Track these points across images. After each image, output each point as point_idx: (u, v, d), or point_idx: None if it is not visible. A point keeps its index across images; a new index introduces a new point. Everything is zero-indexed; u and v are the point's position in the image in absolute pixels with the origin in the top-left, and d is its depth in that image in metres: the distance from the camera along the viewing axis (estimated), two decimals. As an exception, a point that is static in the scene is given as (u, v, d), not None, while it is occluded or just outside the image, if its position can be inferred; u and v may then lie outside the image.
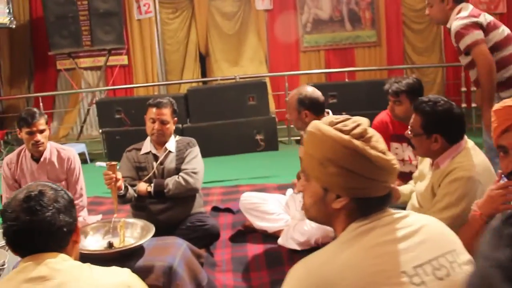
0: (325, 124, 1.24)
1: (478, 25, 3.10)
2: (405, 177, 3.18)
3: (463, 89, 7.11)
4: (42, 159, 3.22)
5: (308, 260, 1.19)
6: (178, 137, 3.30)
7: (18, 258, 1.40)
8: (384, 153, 1.19)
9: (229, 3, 8.24)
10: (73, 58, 7.42)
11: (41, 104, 6.97)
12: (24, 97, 8.19)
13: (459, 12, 3.18)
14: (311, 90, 3.11)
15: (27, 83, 8.54)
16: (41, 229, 1.33)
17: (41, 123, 3.14)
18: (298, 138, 6.84)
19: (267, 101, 6.43)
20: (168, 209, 3.07)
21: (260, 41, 8.35)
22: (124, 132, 6.37)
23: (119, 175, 2.79)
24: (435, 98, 2.31)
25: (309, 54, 8.48)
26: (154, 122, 3.14)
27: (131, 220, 2.64)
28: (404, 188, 2.68)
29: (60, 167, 3.27)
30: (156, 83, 7.87)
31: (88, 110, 7.72)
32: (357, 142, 1.17)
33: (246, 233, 3.42)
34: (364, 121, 1.25)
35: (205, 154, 6.00)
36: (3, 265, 2.40)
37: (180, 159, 3.18)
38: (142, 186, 3.08)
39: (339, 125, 1.22)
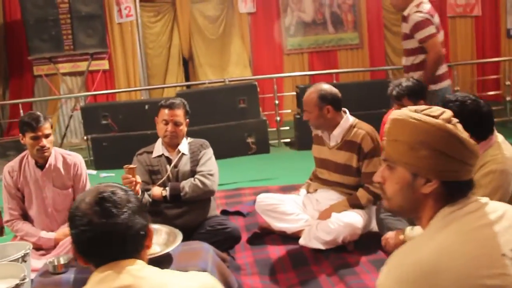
0: (411, 111, 1.27)
1: (433, 23, 3.81)
2: None
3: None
4: (47, 165, 3.05)
5: (404, 253, 1.17)
6: (190, 139, 3.20)
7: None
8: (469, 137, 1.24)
9: (212, 6, 8.15)
10: (54, 63, 7.16)
11: (21, 111, 6.69)
12: (1, 103, 7.85)
13: (419, 4, 3.83)
14: (328, 87, 3.13)
15: (2, 89, 8.19)
16: (118, 233, 1.22)
17: (46, 127, 2.98)
18: (288, 140, 6.81)
19: (257, 103, 6.37)
20: (185, 213, 2.97)
21: (244, 44, 8.29)
22: (111, 138, 6.19)
23: (138, 178, 2.68)
24: (462, 97, 2.33)
25: (292, 56, 8.48)
26: (167, 123, 3.03)
27: (156, 226, 2.52)
28: None
29: (66, 174, 3.11)
30: (141, 88, 7.68)
31: (71, 116, 7.47)
32: (449, 125, 1.22)
33: (263, 235, 3.34)
34: (446, 109, 1.29)
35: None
36: (23, 279, 2.24)
37: (195, 161, 3.08)
38: (157, 191, 2.96)
39: (426, 111, 1.26)
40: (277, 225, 3.21)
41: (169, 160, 3.07)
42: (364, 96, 6.08)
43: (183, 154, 3.09)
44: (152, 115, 6.13)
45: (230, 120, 6.17)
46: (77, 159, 3.17)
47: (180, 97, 6.38)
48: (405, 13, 3.88)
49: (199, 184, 2.95)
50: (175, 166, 3.05)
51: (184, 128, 3.09)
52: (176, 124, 3.03)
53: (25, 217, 3.13)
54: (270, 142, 6.55)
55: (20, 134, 3.01)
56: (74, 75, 7.89)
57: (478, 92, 8.47)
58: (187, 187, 2.95)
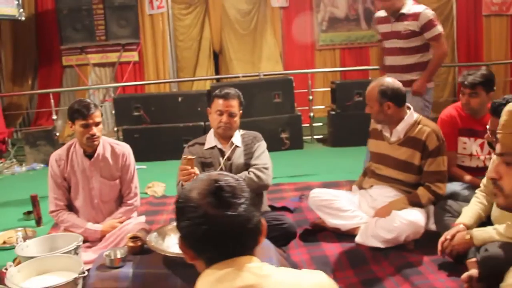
0: None
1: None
2: (472, 171, 3.20)
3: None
4: (95, 155, 2.96)
5: None
6: (242, 131, 3.09)
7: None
8: None
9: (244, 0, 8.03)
10: (86, 53, 7.11)
11: (51, 101, 6.65)
12: (31, 93, 7.84)
13: (414, 3, 3.85)
14: (391, 81, 3.00)
15: (31, 79, 8.17)
16: (237, 227, 1.09)
17: (97, 115, 2.88)
18: (320, 136, 6.68)
19: (292, 98, 6.23)
20: (239, 208, 2.85)
21: (276, 39, 8.17)
22: (143, 130, 6.11)
23: (196, 170, 2.57)
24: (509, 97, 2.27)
25: (324, 52, 8.33)
26: (221, 114, 2.91)
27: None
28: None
29: (114, 164, 3.01)
30: (171, 80, 7.59)
31: (101, 107, 7.40)
32: None
33: (315, 231, 3.21)
34: None
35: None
36: (82, 273, 2.14)
37: (249, 154, 2.96)
38: (210, 183, 2.85)
39: None
40: (332, 221, 3.10)
41: (222, 152, 2.96)
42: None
43: (236, 146, 2.98)
44: (184, 108, 6.14)
45: (264, 115, 6.06)
46: (126, 149, 3.07)
47: (213, 89, 6.35)
48: (404, 11, 3.85)
49: (254, 178, 2.84)
50: (229, 158, 2.94)
51: (238, 120, 2.98)
52: (231, 115, 2.92)
53: (70, 207, 3.03)
54: (303, 138, 6.42)
55: (69, 122, 2.92)
56: (103, 66, 7.82)
57: (510, 92, 8.28)
58: (241, 180, 2.83)
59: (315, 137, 6.68)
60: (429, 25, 3.74)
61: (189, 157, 2.59)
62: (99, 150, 2.97)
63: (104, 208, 3.03)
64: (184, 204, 1.12)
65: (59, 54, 7.74)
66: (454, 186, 3.13)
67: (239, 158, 2.95)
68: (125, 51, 7.39)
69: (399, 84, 2.98)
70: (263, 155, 2.98)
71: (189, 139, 6.22)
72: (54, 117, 6.69)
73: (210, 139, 3.01)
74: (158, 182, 4.85)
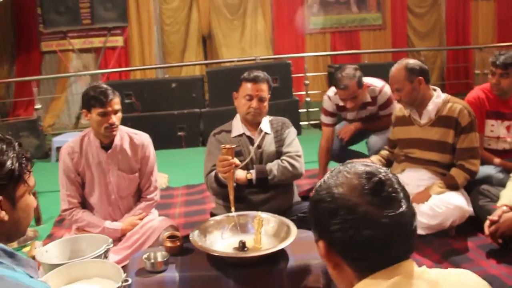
0: None
1: None
2: (498, 154, 3.21)
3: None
4: (113, 146, 2.69)
5: None
6: (269, 117, 2.88)
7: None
8: None
9: (232, -19, 7.76)
10: (70, 38, 6.71)
11: (34, 89, 6.24)
12: (10, 81, 7.37)
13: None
14: (414, 60, 2.98)
15: (8, 67, 7.69)
16: (403, 228, 0.91)
17: (116, 101, 2.61)
18: (317, 122, 6.51)
19: (290, 83, 6.05)
20: (271, 199, 2.66)
21: (265, 23, 7.93)
22: (135, 118, 5.81)
23: (236, 160, 2.36)
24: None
25: (315, 36, 8.16)
26: (251, 99, 2.70)
27: (264, 215, 2.22)
28: None
29: (133, 156, 2.75)
30: (157, 66, 7.26)
31: (87, 95, 7.03)
32: None
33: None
34: None
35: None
36: (126, 281, 1.90)
37: (280, 141, 2.77)
38: (241, 174, 2.64)
39: None
40: None
41: (251, 140, 2.75)
42: (387, 77, 5.83)
43: (266, 133, 2.77)
44: (178, 94, 5.85)
45: (262, 101, 5.84)
46: (145, 139, 2.82)
47: (210, 74, 6.09)
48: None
49: (288, 166, 2.65)
50: (259, 146, 2.73)
51: (267, 105, 2.77)
52: (261, 99, 2.72)
53: (84, 205, 2.75)
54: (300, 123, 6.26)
55: (84, 110, 2.64)
56: (86, 52, 7.43)
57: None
58: (275, 169, 2.64)
59: (312, 122, 6.52)
60: (386, 104, 3.57)
61: (228, 146, 2.38)
62: (117, 141, 2.70)
63: (122, 204, 2.76)
64: (334, 204, 0.92)
65: (38, 39, 7.30)
66: (487, 169, 3.08)
67: (270, 145, 2.75)
68: (111, 36, 7.03)
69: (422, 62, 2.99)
70: (294, 142, 2.80)
71: (183, 127, 6.09)
72: (38, 106, 6.29)
73: (237, 126, 2.80)
74: (160, 173, 4.59)
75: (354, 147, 3.97)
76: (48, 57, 7.59)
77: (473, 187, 2.91)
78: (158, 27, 7.63)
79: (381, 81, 3.62)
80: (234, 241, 2.17)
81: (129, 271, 2.04)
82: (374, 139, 3.66)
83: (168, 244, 2.13)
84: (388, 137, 3.30)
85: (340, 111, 3.74)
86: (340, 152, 3.82)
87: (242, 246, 2.08)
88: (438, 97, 2.93)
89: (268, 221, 2.21)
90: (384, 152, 3.29)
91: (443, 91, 3.07)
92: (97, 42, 7.28)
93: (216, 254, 1.96)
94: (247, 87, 2.72)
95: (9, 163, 1.12)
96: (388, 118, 3.50)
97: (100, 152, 2.68)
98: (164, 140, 5.44)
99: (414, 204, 2.77)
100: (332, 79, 6.03)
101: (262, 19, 7.88)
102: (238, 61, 6.45)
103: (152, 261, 2.03)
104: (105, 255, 2.22)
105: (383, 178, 0.92)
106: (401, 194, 0.93)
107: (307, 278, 1.96)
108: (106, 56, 7.43)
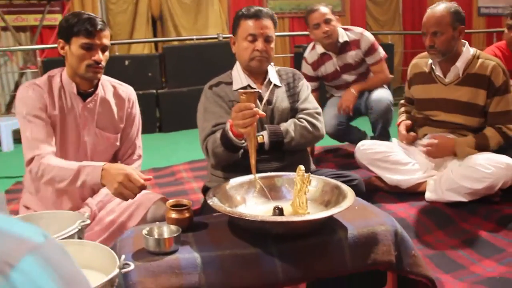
0: None
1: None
2: None
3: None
4: (93, 94, 2.02)
5: None
6: (275, 66, 2.34)
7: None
8: None
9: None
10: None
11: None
12: None
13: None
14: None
15: None
16: None
17: (106, 35, 1.95)
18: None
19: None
20: (287, 167, 2.06)
21: (221, 5, 7.37)
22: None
23: (260, 110, 1.79)
24: None
25: (273, 21, 7.69)
26: (254, 40, 2.14)
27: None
28: None
29: (118, 110, 2.09)
30: (122, 41, 6.41)
31: (22, 74, 6.13)
32: None
33: (368, 191, 2.55)
34: None
35: (187, 124, 4.99)
36: (127, 266, 1.26)
37: (293, 95, 2.24)
38: (250, 137, 2.06)
39: None
40: (392, 177, 2.63)
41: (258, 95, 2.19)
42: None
43: (275, 85, 2.22)
44: (132, 73, 5.16)
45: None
46: (132, 92, 2.17)
47: (168, 51, 5.43)
48: (343, 39, 3.45)
49: (308, 126, 2.12)
50: (269, 102, 2.17)
51: (273, 48, 2.22)
52: (267, 39, 2.16)
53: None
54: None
55: (61, 41, 1.94)
56: (18, 31, 6.49)
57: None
58: (291, 130, 2.09)
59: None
60: (374, 48, 3.37)
61: (249, 90, 1.81)
62: (99, 89, 2.04)
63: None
64: None
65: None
66: None
67: (282, 101, 2.20)
68: (48, 13, 6.18)
69: None
70: (310, 97, 2.28)
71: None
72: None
73: (239, 77, 2.23)
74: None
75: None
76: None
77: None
78: (103, 5, 6.85)
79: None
80: (264, 209, 1.60)
81: (120, 255, 1.39)
82: (377, 93, 3.28)
83: (173, 215, 1.52)
84: (404, 95, 2.89)
85: (319, 64, 3.47)
86: (343, 129, 3.43)
87: (280, 211, 1.51)
88: (467, 52, 2.54)
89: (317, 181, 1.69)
90: (404, 112, 2.87)
91: (404, 77, 2.72)
92: (32, 19, 6.40)
93: (258, 220, 1.35)
94: (248, 25, 2.14)
95: None
96: (377, 66, 3.35)
97: (75, 100, 1.98)
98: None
99: (450, 169, 2.39)
100: (300, 59, 5.60)
101: (217, 1, 7.31)
102: (197, 39, 5.82)
103: (157, 237, 1.41)
104: (79, 236, 1.57)
105: None
106: None
107: (375, 250, 1.44)
108: (43, 36, 6.55)
